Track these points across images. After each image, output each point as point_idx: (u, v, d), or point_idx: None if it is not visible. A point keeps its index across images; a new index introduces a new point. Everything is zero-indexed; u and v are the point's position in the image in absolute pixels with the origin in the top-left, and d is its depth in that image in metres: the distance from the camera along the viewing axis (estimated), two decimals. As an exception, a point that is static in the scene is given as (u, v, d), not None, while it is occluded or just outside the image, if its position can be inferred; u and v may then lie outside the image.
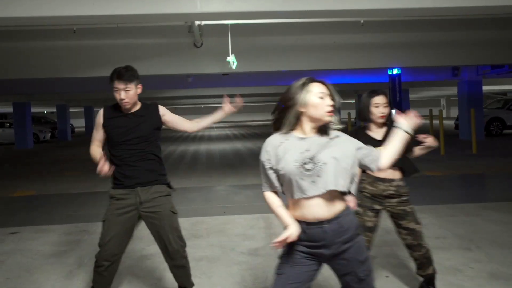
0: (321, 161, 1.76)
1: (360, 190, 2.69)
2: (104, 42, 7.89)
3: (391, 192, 2.67)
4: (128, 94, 2.58)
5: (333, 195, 1.80)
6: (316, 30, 8.61)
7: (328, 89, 1.87)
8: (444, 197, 6.02)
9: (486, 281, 3.09)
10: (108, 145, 2.67)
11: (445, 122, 12.57)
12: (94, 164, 2.57)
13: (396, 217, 2.72)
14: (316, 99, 1.83)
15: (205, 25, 7.15)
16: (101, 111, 2.69)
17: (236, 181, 7.68)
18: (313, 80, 1.88)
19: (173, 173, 9.17)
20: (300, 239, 1.81)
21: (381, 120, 2.67)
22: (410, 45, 9.61)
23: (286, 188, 1.83)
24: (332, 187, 1.76)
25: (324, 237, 1.79)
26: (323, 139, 1.84)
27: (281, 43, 8.80)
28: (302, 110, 1.83)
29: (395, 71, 11.82)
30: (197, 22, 6.56)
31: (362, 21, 7.26)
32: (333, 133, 1.87)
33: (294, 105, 1.83)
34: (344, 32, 8.82)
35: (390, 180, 2.67)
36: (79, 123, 37.33)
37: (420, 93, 27.70)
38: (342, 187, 1.78)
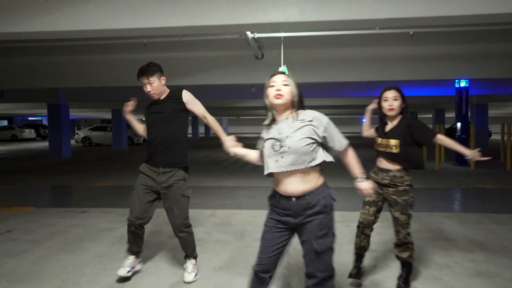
0: (286, 144, 1.87)
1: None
2: (172, 55, 8.62)
3: (387, 181, 2.75)
4: (152, 86, 2.90)
5: (305, 173, 1.94)
6: (374, 42, 8.43)
7: (286, 77, 2.06)
8: (482, 207, 5.71)
9: (468, 278, 3.05)
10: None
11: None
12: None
13: (388, 204, 2.83)
14: (268, 89, 2.04)
15: (260, 38, 7.41)
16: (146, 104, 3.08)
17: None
18: (273, 74, 2.09)
19: (228, 173, 9.56)
20: (275, 207, 2.03)
21: (390, 113, 2.79)
22: (475, 56, 9.02)
23: (264, 163, 2.04)
24: (290, 168, 1.87)
25: (291, 208, 1.97)
26: (296, 123, 1.95)
27: (336, 55, 8.78)
28: (267, 101, 2.05)
29: (462, 84, 11.00)
30: (250, 35, 6.82)
31: (411, 33, 6.93)
32: (308, 115, 1.99)
33: (266, 99, 2.08)
34: (401, 44, 8.54)
35: (387, 171, 2.77)
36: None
37: (506, 109, 25.09)
38: (302, 166, 1.91)
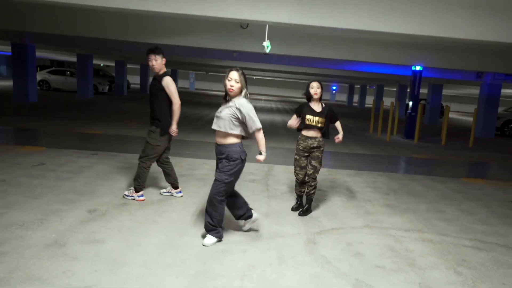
0: (221, 115, 3.59)
1: (297, 145, 4.64)
2: (160, 12, 9.52)
3: (315, 144, 4.54)
4: (157, 62, 4.50)
5: (225, 134, 3.59)
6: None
7: (238, 76, 3.51)
8: (408, 170, 7.96)
9: (380, 206, 5.11)
10: None
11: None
12: (148, 115, 4.70)
13: (312, 159, 4.57)
14: (226, 81, 3.53)
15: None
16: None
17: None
18: (232, 69, 3.53)
19: (207, 130, 11.23)
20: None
21: (315, 97, 4.51)
22: (431, 47, 10.94)
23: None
24: (217, 128, 3.59)
25: (216, 152, 3.68)
26: (231, 103, 3.60)
27: (315, 32, 10.29)
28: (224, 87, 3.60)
29: (418, 68, 12.99)
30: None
31: None
32: (238, 102, 3.55)
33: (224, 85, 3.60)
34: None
35: (315, 138, 4.53)
36: (134, 80, 39.99)
37: (459, 89, 28.02)
38: (223, 129, 3.55)
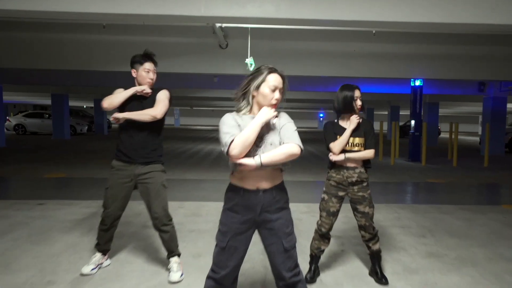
0: (267, 141, 2.04)
1: (327, 179, 3.10)
2: (134, 39, 8.51)
3: (354, 179, 2.99)
4: (154, 75, 3.11)
5: (276, 169, 2.11)
6: (338, 38, 8.94)
7: (283, 83, 2.08)
8: (430, 199, 6.55)
9: (421, 258, 3.66)
10: None
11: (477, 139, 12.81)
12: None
13: (355, 202, 3.03)
14: (268, 90, 2.03)
15: (227, 27, 7.63)
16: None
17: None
18: (272, 70, 2.07)
19: (197, 167, 9.75)
20: (237, 204, 2.13)
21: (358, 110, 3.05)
22: (432, 57, 9.83)
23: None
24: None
25: (257, 203, 2.10)
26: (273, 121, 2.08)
27: (302, 48, 9.19)
28: (254, 94, 2.06)
29: (417, 83, 11.92)
30: (218, 24, 7.04)
31: (374, 31, 7.53)
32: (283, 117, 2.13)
33: (249, 89, 2.05)
34: (363, 41, 9.09)
35: (353, 168, 3.01)
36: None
37: (454, 108, 27.20)
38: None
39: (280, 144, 2.01)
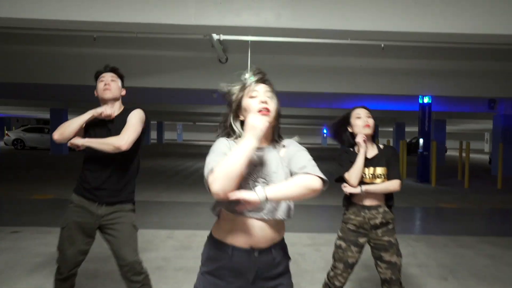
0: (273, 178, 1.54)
1: (344, 222, 2.50)
2: (126, 52, 8.16)
3: (379, 220, 2.41)
4: (115, 83, 2.51)
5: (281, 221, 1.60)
6: (343, 53, 8.49)
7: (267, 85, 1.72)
8: (446, 228, 5.93)
9: None
10: None
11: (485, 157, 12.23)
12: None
13: (379, 249, 2.44)
14: (248, 100, 1.66)
15: (226, 40, 7.21)
16: None
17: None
18: (247, 84, 1.72)
19: (187, 186, 9.23)
20: (223, 268, 1.60)
21: (366, 130, 2.48)
22: (442, 73, 9.37)
23: None
24: (271, 216, 1.55)
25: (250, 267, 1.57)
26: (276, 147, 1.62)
27: (305, 63, 8.74)
28: (241, 117, 1.65)
29: (426, 100, 11.46)
30: (216, 37, 6.60)
31: (382, 45, 7.05)
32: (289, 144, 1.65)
33: (229, 119, 1.70)
34: (371, 56, 8.67)
35: (376, 207, 2.43)
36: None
37: (460, 125, 26.66)
38: (282, 216, 1.56)
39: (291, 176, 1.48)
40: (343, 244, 2.45)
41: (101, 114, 2.39)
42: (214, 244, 1.57)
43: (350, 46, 7.97)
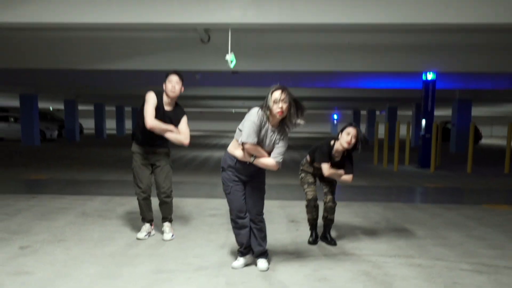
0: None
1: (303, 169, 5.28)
2: (106, 34, 10.13)
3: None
4: (179, 89, 4.95)
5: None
6: (330, 29, 9.84)
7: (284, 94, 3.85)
8: (412, 199, 8.61)
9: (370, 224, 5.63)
10: None
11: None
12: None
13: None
14: (271, 103, 3.87)
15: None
16: None
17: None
18: (274, 89, 3.87)
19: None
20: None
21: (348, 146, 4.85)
22: (447, 47, 10.67)
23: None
24: None
25: None
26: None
27: (291, 41, 10.51)
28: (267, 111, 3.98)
29: (430, 76, 13.26)
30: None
31: None
32: None
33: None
34: (362, 32, 10.17)
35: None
36: (87, 124, 40.69)
37: (493, 108, 28.37)
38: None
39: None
40: (303, 175, 5.21)
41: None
42: (228, 156, 4.17)
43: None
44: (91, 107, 33.46)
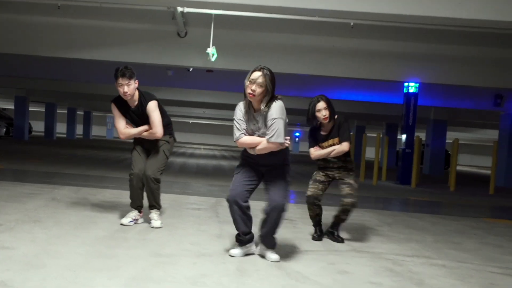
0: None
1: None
2: (87, 22, 9.98)
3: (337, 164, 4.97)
4: (130, 88, 4.74)
5: None
6: (314, 31, 10.11)
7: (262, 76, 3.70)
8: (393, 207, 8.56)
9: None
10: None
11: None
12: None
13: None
14: (247, 82, 3.73)
15: (189, 13, 9.09)
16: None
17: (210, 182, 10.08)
18: (255, 69, 3.74)
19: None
20: None
21: (325, 122, 4.73)
22: (432, 57, 10.76)
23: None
24: None
25: None
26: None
27: (272, 40, 10.41)
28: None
29: (412, 89, 13.09)
30: (180, 9, 8.54)
31: (352, 24, 9.02)
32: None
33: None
34: (344, 36, 10.21)
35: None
36: (37, 127, 39.70)
37: (470, 133, 28.73)
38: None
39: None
40: (315, 172, 5.03)
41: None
42: (244, 150, 3.97)
43: (319, 24, 9.41)
44: (42, 109, 32.90)
